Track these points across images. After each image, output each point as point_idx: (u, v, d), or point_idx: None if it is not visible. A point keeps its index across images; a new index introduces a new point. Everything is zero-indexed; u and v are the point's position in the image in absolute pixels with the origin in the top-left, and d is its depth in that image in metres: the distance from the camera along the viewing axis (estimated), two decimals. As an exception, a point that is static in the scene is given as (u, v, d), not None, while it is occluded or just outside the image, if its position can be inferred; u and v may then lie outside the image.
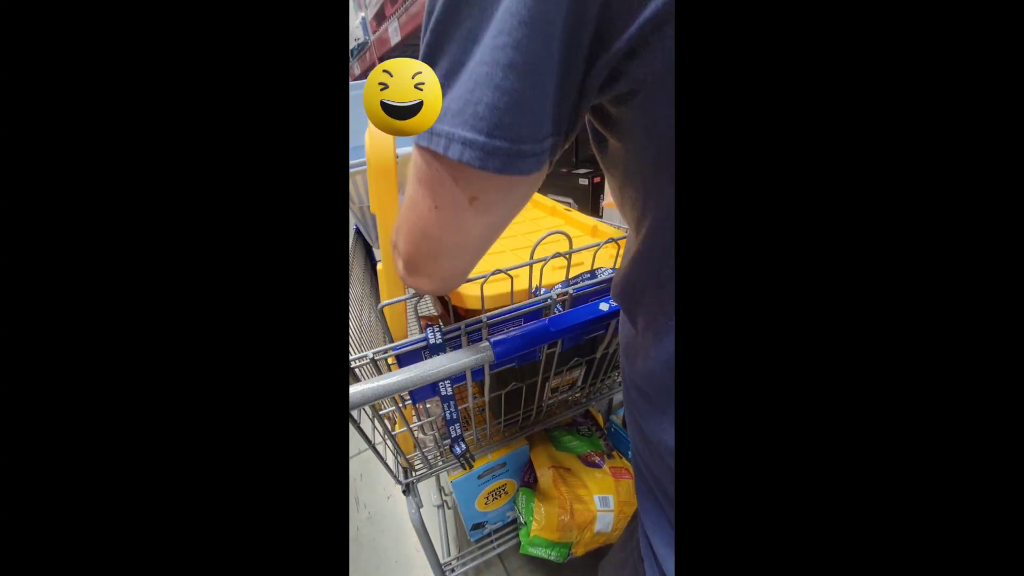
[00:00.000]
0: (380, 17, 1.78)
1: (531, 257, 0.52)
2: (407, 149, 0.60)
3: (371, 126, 0.46)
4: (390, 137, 0.41)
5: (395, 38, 1.66)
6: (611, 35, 0.24)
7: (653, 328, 0.34)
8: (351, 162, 0.64)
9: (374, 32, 1.91)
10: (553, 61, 0.24)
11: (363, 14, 2.00)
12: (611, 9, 0.23)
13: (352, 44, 2.29)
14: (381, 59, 1.99)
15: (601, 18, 0.24)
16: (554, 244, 0.73)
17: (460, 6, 0.24)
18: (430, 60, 0.26)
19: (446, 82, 0.25)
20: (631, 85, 0.26)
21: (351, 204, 0.73)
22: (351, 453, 1.49)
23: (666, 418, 0.35)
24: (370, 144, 0.41)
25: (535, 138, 0.26)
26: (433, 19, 0.25)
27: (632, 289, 0.37)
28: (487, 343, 0.43)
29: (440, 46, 0.25)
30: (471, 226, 0.30)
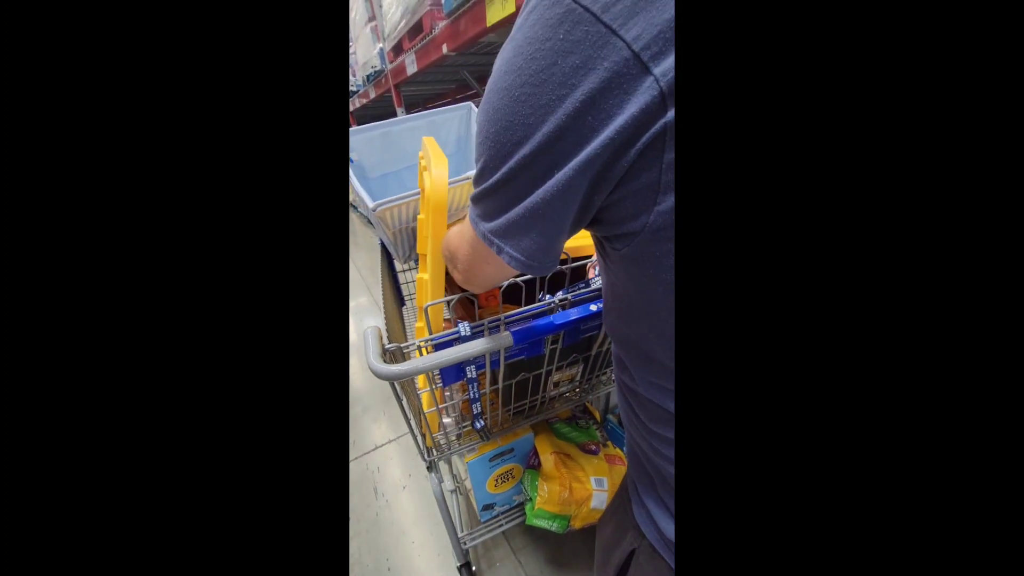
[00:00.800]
0: (398, 49, 1.93)
1: (538, 269, 0.67)
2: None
3: (429, 172, 0.61)
4: (445, 182, 0.55)
5: (412, 69, 1.80)
6: (601, 223, 0.36)
7: (637, 358, 0.46)
8: (392, 197, 0.79)
9: (391, 62, 2.07)
10: (566, 229, 0.36)
11: (381, 45, 2.16)
12: (604, 213, 0.35)
13: (369, 71, 2.45)
14: (397, 87, 2.15)
15: (600, 210, 0.35)
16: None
17: (515, 179, 0.34)
18: (487, 193, 0.36)
19: (498, 212, 0.36)
20: (616, 248, 0.37)
21: (386, 228, 0.87)
22: (367, 449, 1.63)
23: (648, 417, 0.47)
24: (430, 186, 0.55)
25: (554, 261, 0.39)
26: (495, 178, 0.35)
27: (611, 330, 0.50)
28: (507, 332, 0.57)
29: (494, 193, 0.36)
30: (505, 272, 0.46)
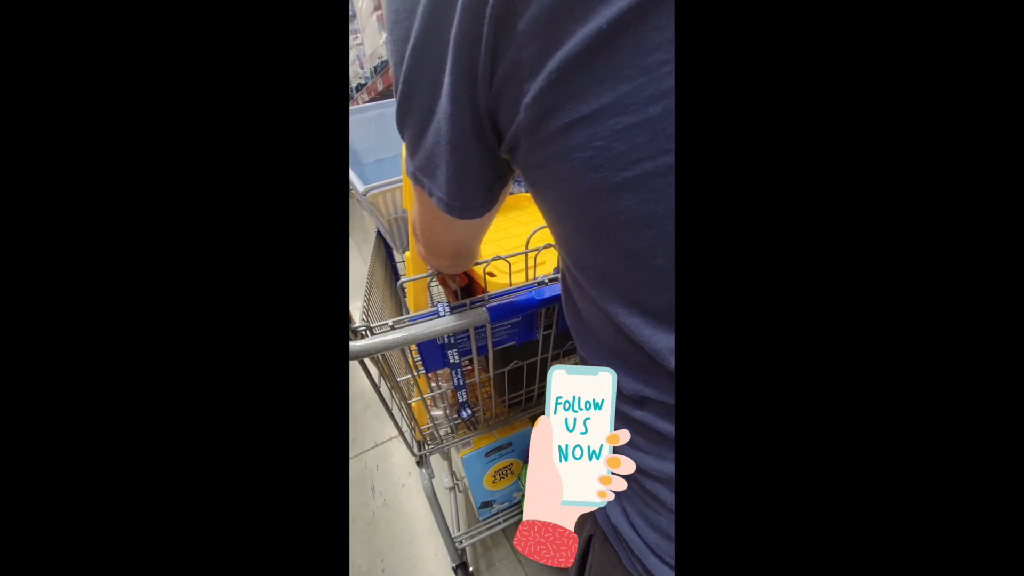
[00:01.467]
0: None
1: (526, 247, 0.61)
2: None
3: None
4: None
5: (416, 57, 1.77)
6: (500, 137, 0.32)
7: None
8: (383, 181, 0.74)
9: (397, 51, 2.03)
10: (473, 160, 0.32)
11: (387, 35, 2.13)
12: (497, 118, 0.30)
13: (376, 62, 2.42)
14: (403, 76, 2.11)
15: (495, 127, 0.31)
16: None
17: (415, 89, 0.30)
18: (401, 118, 0.33)
19: (415, 142, 0.33)
20: (522, 168, 0.33)
21: (380, 216, 0.83)
22: (368, 446, 1.59)
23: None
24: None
25: (477, 201, 0.35)
26: (399, 92, 0.31)
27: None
28: (484, 308, 0.52)
29: (406, 114, 0.32)
30: (456, 231, 0.41)
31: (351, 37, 2.86)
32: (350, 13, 2.71)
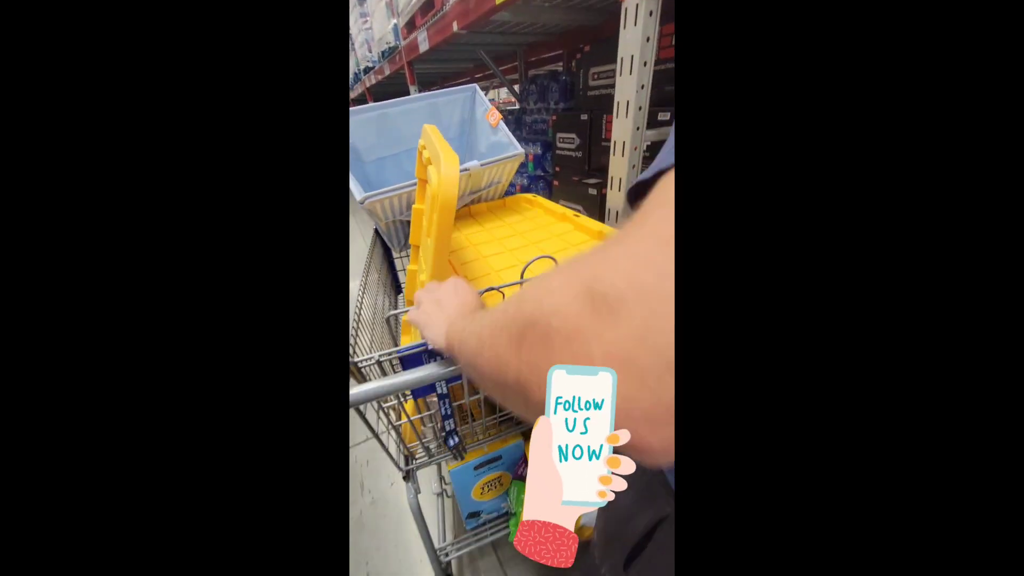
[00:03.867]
0: (411, 25, 1.86)
1: (521, 277, 0.59)
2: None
3: (436, 168, 0.53)
4: (455, 180, 0.48)
5: (424, 46, 1.74)
6: None
7: None
8: (380, 190, 0.72)
9: (405, 38, 2.00)
10: None
11: (395, 20, 2.08)
12: None
13: (384, 47, 2.38)
14: (410, 63, 2.07)
15: None
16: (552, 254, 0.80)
17: None
18: None
19: None
20: None
21: (379, 220, 0.81)
22: (358, 440, 1.58)
23: None
24: (438, 184, 0.48)
25: None
26: None
27: None
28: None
29: None
30: None
31: (361, 21, 2.81)
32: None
